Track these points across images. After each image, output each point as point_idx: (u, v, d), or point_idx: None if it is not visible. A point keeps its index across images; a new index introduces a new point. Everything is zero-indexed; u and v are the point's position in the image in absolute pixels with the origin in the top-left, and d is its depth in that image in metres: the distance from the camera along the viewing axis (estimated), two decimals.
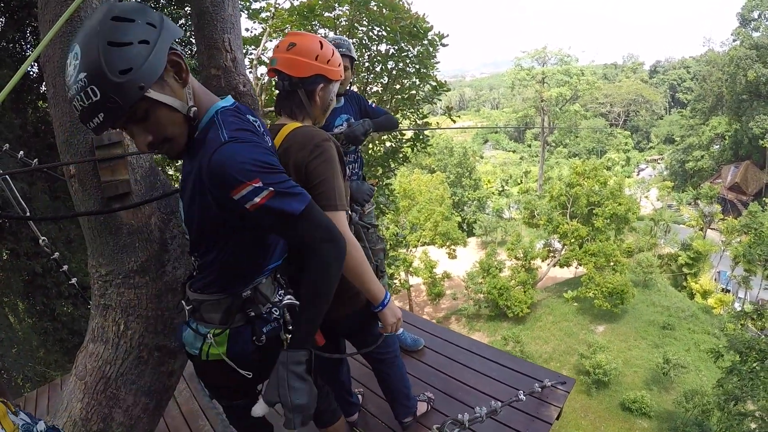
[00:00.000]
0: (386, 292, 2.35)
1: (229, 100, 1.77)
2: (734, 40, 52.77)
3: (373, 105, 4.01)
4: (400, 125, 12.29)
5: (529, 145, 76.85)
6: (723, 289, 35.98)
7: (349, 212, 2.64)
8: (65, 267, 3.57)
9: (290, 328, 1.95)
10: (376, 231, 3.93)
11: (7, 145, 3.28)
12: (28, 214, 2.92)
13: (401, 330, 4.00)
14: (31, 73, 9.07)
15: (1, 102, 1.51)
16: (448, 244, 35.72)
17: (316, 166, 2.16)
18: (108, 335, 2.60)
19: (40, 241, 2.91)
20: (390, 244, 21.43)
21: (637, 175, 65.39)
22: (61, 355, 12.15)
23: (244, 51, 12.37)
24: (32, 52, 1.67)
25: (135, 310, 2.60)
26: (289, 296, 2.02)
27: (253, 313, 1.88)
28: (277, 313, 1.96)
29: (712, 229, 42.90)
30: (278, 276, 2.05)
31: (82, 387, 2.53)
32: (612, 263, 31.06)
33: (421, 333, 4.60)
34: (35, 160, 3.31)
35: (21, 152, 3.33)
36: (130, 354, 2.60)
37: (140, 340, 2.59)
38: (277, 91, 2.43)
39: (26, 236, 10.09)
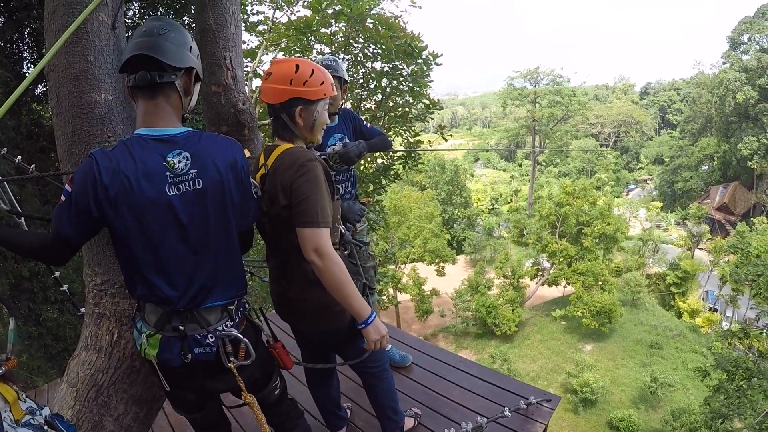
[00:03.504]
0: (371, 311, 2.37)
1: (144, 131, 2.06)
2: (724, 63, 53.16)
3: (368, 124, 4.05)
4: (393, 142, 12.36)
5: (520, 164, 77.12)
6: (711, 309, 36.13)
7: (342, 231, 2.78)
8: (57, 273, 3.60)
9: (231, 359, 2.14)
10: (368, 249, 3.99)
11: (4, 149, 3.33)
12: (22, 218, 3.01)
13: (389, 346, 3.99)
14: (27, 73, 9.01)
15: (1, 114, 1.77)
16: (437, 261, 35.71)
17: (300, 185, 2.28)
18: (101, 344, 2.63)
19: None
20: (379, 261, 21.42)
21: (627, 195, 65.89)
22: (45, 361, 11.98)
23: None
24: (29, 53, 1.99)
25: (129, 319, 2.60)
26: (233, 330, 2.16)
27: (182, 328, 2.07)
28: (212, 340, 2.13)
29: (700, 249, 43.09)
30: (237, 306, 2.25)
31: (74, 394, 2.55)
32: (600, 282, 31.27)
33: (410, 349, 4.62)
34: (32, 166, 3.39)
35: (18, 157, 3.37)
36: (123, 363, 2.63)
37: (133, 350, 2.58)
38: None
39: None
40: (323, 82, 2.44)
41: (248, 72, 11.99)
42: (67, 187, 1.96)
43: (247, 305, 2.35)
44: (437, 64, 11.36)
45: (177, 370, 2.15)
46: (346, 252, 2.79)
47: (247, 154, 2.40)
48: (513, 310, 31.85)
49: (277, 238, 2.56)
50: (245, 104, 3.18)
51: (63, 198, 1.95)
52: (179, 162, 1.99)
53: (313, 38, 11.18)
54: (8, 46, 9.30)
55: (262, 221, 2.51)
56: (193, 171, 2.00)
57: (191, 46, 2.11)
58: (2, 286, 11.97)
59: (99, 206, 1.93)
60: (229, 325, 2.16)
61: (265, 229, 2.60)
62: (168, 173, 1.97)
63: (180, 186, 1.99)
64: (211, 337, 2.12)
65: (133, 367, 2.63)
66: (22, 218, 3.00)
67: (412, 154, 12.18)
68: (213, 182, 2.04)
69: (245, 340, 2.15)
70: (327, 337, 2.85)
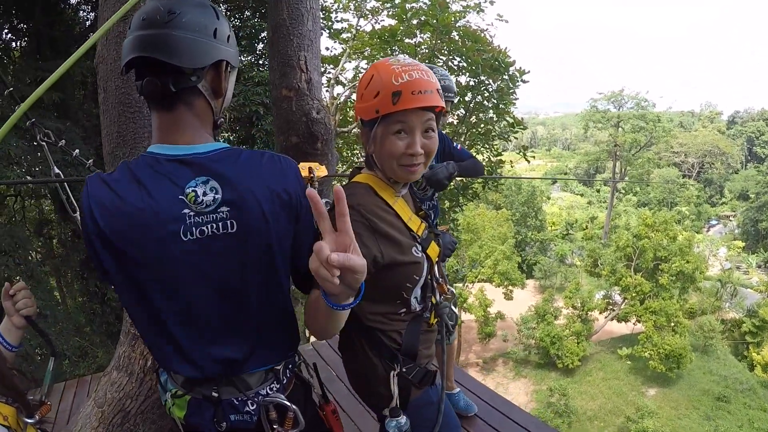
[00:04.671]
0: None
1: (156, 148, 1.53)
2: None
3: (458, 146, 3.65)
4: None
5: (598, 190, 75.25)
6: None
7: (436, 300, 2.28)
8: None
9: (275, 428, 1.67)
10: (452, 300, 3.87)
11: (77, 150, 3.10)
12: (77, 211, 2.54)
13: (457, 389, 3.84)
14: None
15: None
16: (505, 284, 35.41)
17: None
18: (134, 368, 2.52)
19: None
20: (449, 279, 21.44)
21: (707, 231, 63.48)
22: (105, 336, 12.63)
23: (322, 69, 12.52)
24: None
25: None
26: (279, 395, 1.69)
27: (216, 394, 1.63)
28: (253, 407, 1.67)
29: None
30: (285, 365, 1.76)
31: (99, 415, 2.44)
32: (673, 324, 30.34)
33: (476, 399, 4.34)
34: (90, 161, 3.08)
35: (77, 150, 3.08)
36: (155, 393, 2.47)
37: None
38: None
39: None
40: (378, 94, 1.73)
41: (330, 79, 12.14)
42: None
43: (297, 358, 1.86)
44: (524, 81, 11.33)
45: None
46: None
47: (323, 172, 2.22)
48: (578, 343, 31.37)
49: None
50: (320, 113, 2.81)
51: None
52: (204, 194, 1.44)
53: (397, 48, 11.21)
54: None
55: None
56: (224, 209, 1.45)
57: (216, 28, 1.50)
58: (74, 262, 12.66)
59: (96, 255, 1.47)
60: (274, 389, 1.71)
61: None
62: (186, 210, 1.43)
63: (204, 228, 1.45)
64: (252, 404, 1.67)
65: None
66: None
67: (493, 174, 12.17)
68: (254, 226, 1.48)
69: (294, 407, 1.68)
70: None
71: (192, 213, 1.43)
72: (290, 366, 1.78)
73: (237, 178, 1.46)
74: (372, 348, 1.95)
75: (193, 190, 1.43)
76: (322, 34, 11.75)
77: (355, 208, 1.70)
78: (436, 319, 2.02)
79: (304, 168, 2.19)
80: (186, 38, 1.42)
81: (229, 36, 1.57)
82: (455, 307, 2.15)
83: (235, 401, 1.64)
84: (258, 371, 1.67)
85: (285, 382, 1.74)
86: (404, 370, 1.91)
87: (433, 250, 1.96)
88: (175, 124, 1.51)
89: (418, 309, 1.94)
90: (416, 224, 1.91)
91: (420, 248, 1.89)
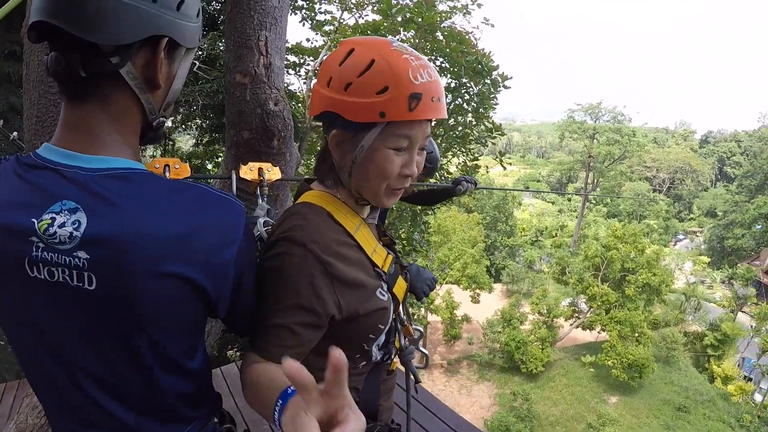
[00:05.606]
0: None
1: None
2: None
3: None
4: (450, 162, 12.27)
5: (569, 199, 76.16)
6: (745, 377, 34.92)
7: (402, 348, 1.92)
8: None
9: None
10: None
11: (14, 133, 2.72)
12: None
13: None
14: None
15: None
16: (473, 287, 35.43)
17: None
18: None
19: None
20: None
21: (674, 245, 64.38)
22: None
23: (301, 60, 12.43)
24: None
25: None
26: None
27: None
28: None
29: (743, 312, 41.68)
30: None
31: None
32: (637, 334, 30.52)
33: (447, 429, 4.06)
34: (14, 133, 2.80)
35: (15, 133, 2.73)
36: None
37: None
38: None
39: None
40: (386, 90, 1.21)
41: (308, 71, 12.11)
42: None
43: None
44: (505, 87, 11.22)
45: None
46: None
47: (275, 174, 1.91)
48: (543, 349, 31.35)
49: None
50: (278, 104, 2.34)
51: None
52: (61, 225, 0.99)
53: None
54: None
55: None
56: (81, 255, 0.99)
57: None
58: None
59: None
60: None
61: None
62: (34, 238, 1.00)
63: (55, 271, 1.00)
64: None
65: None
66: None
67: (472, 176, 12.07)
68: (123, 296, 1.02)
69: None
70: None
71: (40, 246, 1.00)
72: None
73: (123, 217, 1.00)
74: None
75: (48, 216, 0.99)
76: (305, 24, 11.65)
77: (307, 247, 1.27)
78: (395, 365, 1.68)
79: (253, 168, 1.88)
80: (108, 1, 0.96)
81: (183, 3, 1.08)
82: (424, 348, 1.78)
83: None
84: None
85: None
86: None
87: (400, 287, 1.54)
88: (78, 125, 1.07)
89: (378, 358, 1.56)
90: (381, 257, 1.48)
91: (386, 288, 1.46)
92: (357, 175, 1.35)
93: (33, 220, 0.99)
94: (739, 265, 48.80)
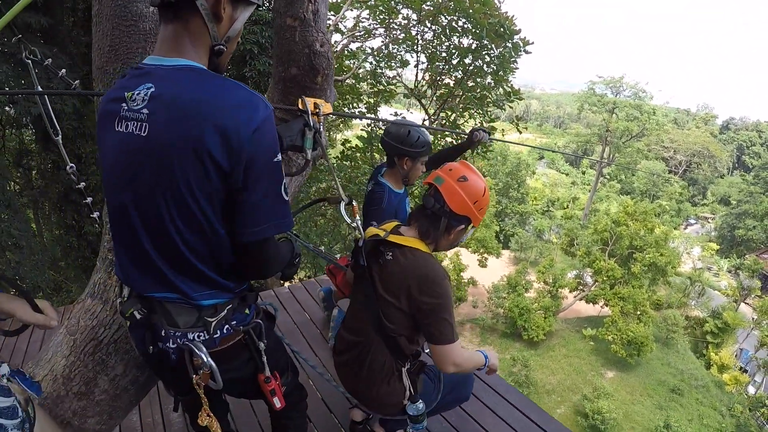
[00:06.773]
0: (483, 355, 2.55)
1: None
2: None
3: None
4: (467, 124, 12.29)
5: (584, 172, 75.62)
6: (741, 368, 35.18)
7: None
8: (89, 199, 3.02)
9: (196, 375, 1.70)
10: None
11: (63, 70, 2.76)
12: (59, 134, 2.52)
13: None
14: None
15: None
16: (481, 251, 35.50)
17: (434, 308, 2.29)
18: (109, 295, 2.37)
19: (68, 168, 2.57)
20: None
21: (685, 228, 64.07)
22: (81, 271, 12.67)
23: None
24: None
25: None
26: (199, 345, 1.66)
27: (139, 315, 1.67)
28: (173, 345, 1.65)
29: (746, 303, 41.77)
30: (219, 321, 1.70)
31: (71, 343, 2.33)
32: (639, 312, 30.65)
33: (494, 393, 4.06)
34: (76, 82, 2.94)
35: (63, 70, 2.73)
36: None
37: None
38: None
39: (70, 151, 10.49)
40: (482, 210, 2.47)
41: (330, 26, 11.86)
42: None
43: (247, 318, 1.79)
44: (527, 52, 11.02)
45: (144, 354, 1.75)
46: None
47: (328, 109, 2.18)
48: (545, 318, 31.56)
49: (373, 319, 2.48)
50: (323, 46, 2.59)
51: None
52: (138, 93, 1.44)
53: (401, 2, 11.06)
54: None
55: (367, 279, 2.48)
56: (144, 111, 1.42)
57: None
58: (52, 193, 12.52)
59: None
60: (199, 338, 1.65)
61: (363, 289, 2.56)
62: (123, 104, 1.46)
63: (129, 124, 1.45)
64: (173, 343, 1.63)
65: None
66: None
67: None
68: (161, 140, 1.40)
69: (209, 363, 1.65)
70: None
71: (125, 108, 1.46)
72: (228, 325, 1.71)
73: (171, 88, 1.42)
74: (397, 361, 2.53)
75: (135, 92, 1.45)
76: None
77: (448, 277, 2.41)
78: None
79: (310, 103, 2.15)
80: None
81: None
82: None
83: (162, 332, 1.62)
84: (176, 302, 1.62)
85: (217, 336, 1.69)
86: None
87: None
88: (168, 38, 1.50)
89: None
90: None
91: None
92: (443, 243, 2.51)
93: (125, 93, 1.46)
94: (747, 256, 48.56)
